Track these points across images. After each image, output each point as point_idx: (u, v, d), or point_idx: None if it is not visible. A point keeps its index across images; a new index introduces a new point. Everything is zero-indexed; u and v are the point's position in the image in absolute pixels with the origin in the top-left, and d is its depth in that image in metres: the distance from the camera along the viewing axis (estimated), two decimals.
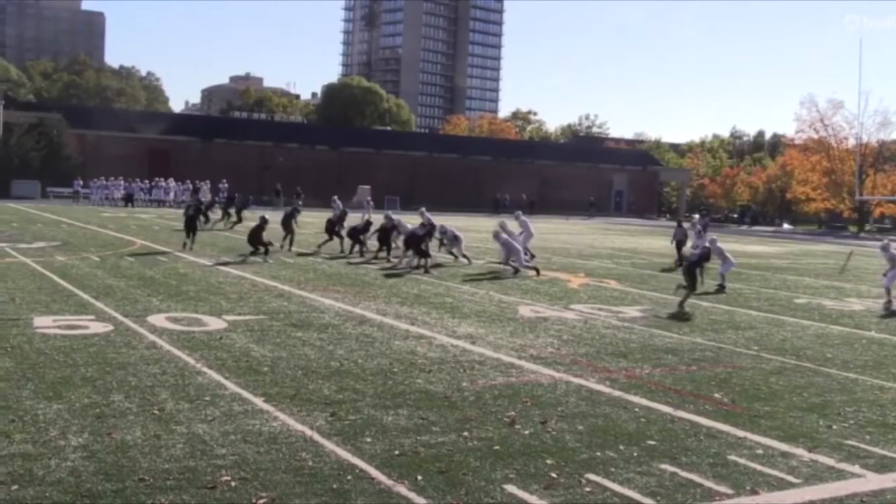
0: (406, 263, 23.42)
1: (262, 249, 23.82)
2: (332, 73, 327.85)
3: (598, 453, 7.79)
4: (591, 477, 7.13)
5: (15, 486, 6.33)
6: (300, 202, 31.82)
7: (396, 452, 7.52)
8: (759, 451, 8.08)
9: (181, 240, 26.54)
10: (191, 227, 26.20)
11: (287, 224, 27.49)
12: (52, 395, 8.86)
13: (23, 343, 11.38)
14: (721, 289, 21.24)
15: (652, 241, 43.92)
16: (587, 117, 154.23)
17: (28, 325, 12.63)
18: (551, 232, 48.50)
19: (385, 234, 25.63)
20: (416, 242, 23.36)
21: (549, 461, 7.48)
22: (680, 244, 29.04)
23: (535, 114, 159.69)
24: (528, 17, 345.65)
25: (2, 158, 61.18)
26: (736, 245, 41.63)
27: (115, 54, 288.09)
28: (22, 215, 40.36)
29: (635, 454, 7.81)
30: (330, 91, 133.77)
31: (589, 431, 8.46)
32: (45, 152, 62.62)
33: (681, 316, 16.75)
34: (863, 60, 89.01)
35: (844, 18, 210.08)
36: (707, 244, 22.24)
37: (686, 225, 30.43)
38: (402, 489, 6.66)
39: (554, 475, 7.12)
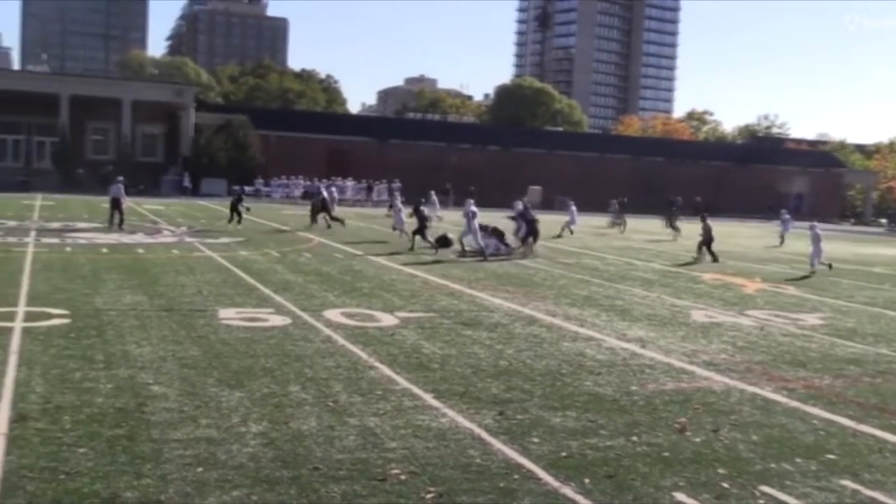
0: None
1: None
2: (504, 73, 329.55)
3: (773, 465, 7.52)
4: (765, 489, 6.89)
5: (200, 469, 6.68)
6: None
7: (563, 454, 7.50)
8: None
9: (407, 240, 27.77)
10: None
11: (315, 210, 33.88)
12: (235, 383, 9.30)
13: (209, 333, 11.99)
14: (812, 272, 25.18)
15: (834, 245, 41.96)
16: (766, 117, 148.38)
17: (214, 317, 13.29)
18: (726, 235, 47.10)
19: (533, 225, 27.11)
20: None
21: (720, 471, 7.27)
22: None
23: (710, 114, 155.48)
24: (705, 15, 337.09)
25: (193, 157, 64.56)
26: None
27: (297, 58, 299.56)
28: (210, 212, 42.50)
29: (813, 468, 7.49)
30: (502, 92, 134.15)
31: (763, 442, 8.18)
32: (231, 152, 65.61)
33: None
34: None
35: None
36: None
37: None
38: (569, 491, 6.62)
39: (726, 485, 6.93)
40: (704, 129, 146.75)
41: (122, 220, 29.78)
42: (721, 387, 10.36)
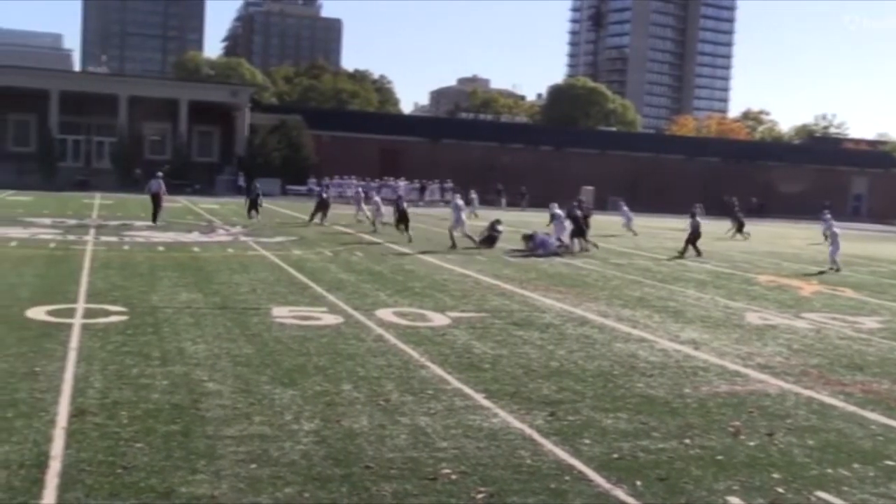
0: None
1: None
2: (557, 73, 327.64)
3: (830, 470, 7.40)
4: (822, 495, 6.79)
5: (253, 465, 6.76)
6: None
7: (615, 456, 7.45)
8: None
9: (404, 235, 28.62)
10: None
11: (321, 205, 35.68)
12: (288, 381, 9.38)
13: (262, 331, 12.11)
14: (834, 271, 25.61)
15: (893, 247, 41.17)
16: (823, 117, 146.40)
17: (267, 315, 13.42)
18: (778, 236, 46.47)
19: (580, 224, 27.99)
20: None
21: (775, 475, 7.18)
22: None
23: (767, 113, 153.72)
24: (762, 14, 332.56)
25: (247, 157, 65.25)
26: None
27: (351, 58, 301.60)
28: (263, 211, 42.80)
29: (871, 474, 7.36)
30: (555, 92, 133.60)
31: (819, 447, 8.05)
32: (285, 152, 66.20)
33: None
34: None
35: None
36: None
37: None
38: (621, 493, 6.58)
39: (781, 490, 6.83)
40: (760, 129, 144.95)
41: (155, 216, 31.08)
42: (776, 390, 10.22)
